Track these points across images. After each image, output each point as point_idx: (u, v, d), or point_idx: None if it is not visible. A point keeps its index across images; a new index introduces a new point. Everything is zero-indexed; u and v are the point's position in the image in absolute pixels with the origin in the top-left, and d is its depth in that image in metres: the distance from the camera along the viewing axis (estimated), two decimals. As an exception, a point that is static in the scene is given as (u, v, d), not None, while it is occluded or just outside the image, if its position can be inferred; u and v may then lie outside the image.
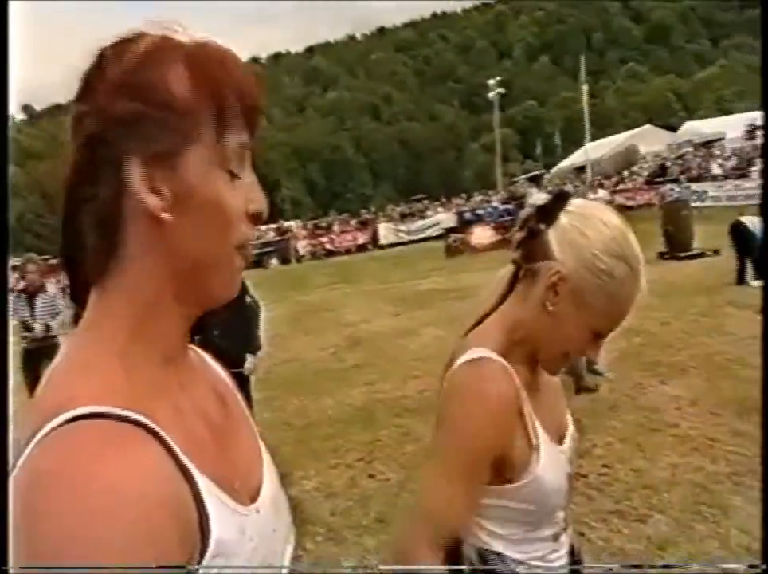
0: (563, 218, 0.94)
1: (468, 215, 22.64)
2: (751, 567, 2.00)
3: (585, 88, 29.00)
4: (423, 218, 26.16)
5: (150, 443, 0.50)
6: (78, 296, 0.59)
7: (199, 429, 0.59)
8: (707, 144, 27.91)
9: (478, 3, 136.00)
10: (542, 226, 0.95)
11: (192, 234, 0.55)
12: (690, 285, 8.16)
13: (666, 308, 6.93)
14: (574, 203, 0.96)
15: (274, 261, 22.42)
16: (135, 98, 0.53)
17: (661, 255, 10.50)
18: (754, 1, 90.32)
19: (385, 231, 24.44)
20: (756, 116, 27.77)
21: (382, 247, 23.27)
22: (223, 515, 0.54)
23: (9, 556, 0.46)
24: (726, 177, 21.58)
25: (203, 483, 0.53)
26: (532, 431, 0.95)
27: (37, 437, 0.48)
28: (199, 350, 0.71)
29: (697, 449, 3.56)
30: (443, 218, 24.19)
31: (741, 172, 21.20)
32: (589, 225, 0.92)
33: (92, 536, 0.45)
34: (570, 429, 1.07)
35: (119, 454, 0.47)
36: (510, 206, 23.31)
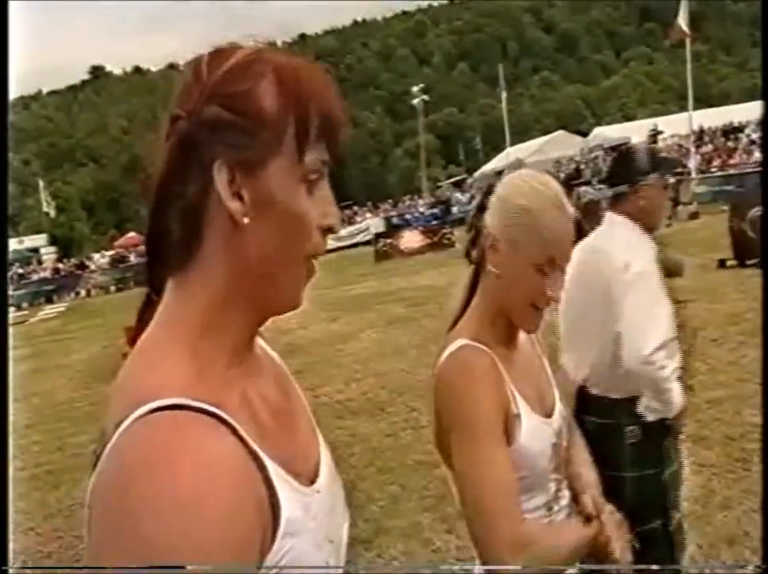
0: (492, 199, 1.08)
1: (395, 220, 22.95)
2: (742, 566, 2.18)
3: (504, 95, 30.12)
4: (352, 223, 26.26)
5: (224, 433, 0.54)
6: (155, 283, 0.62)
7: (264, 416, 0.62)
8: (615, 148, 29.66)
9: (398, 11, 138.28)
10: (480, 219, 1.09)
11: (267, 240, 0.58)
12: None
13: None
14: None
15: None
16: (226, 106, 0.57)
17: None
18: (651, 16, 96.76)
19: (314, 238, 24.30)
20: (657, 122, 29.84)
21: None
22: (290, 496, 0.58)
23: (9, 556, 0.48)
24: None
25: (272, 467, 0.57)
26: (513, 401, 1.04)
27: (123, 426, 0.52)
28: (261, 341, 0.74)
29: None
30: (372, 223, 24.36)
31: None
32: (505, 184, 1.07)
33: (177, 522, 0.47)
34: (559, 407, 1.15)
35: (197, 443, 0.51)
36: (436, 211, 23.86)
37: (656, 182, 1.89)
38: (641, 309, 1.73)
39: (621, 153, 2.23)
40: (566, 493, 1.14)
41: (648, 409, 1.77)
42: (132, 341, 0.62)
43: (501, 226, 1.04)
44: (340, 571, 0.66)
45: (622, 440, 1.79)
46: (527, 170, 1.10)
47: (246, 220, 0.57)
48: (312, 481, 0.64)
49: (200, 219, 0.58)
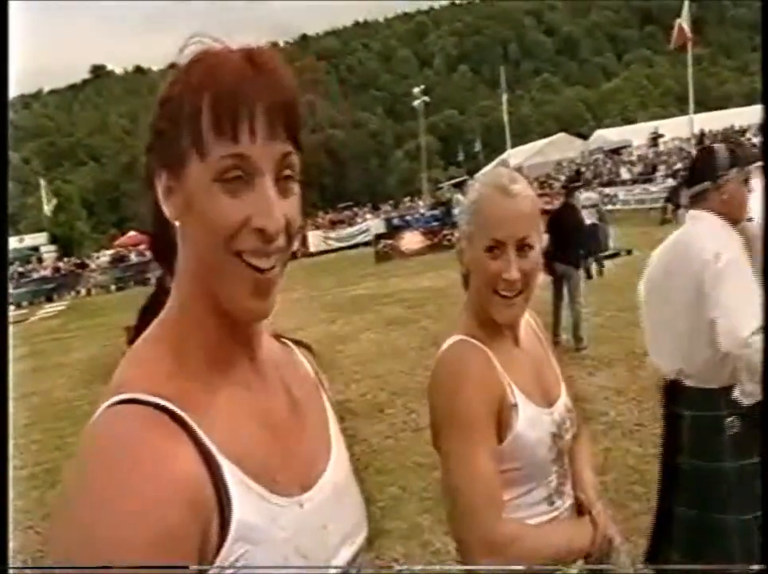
0: None
1: (396, 221, 22.97)
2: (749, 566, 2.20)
3: (505, 97, 30.13)
4: (352, 224, 26.28)
5: (171, 429, 0.55)
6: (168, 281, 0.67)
7: (252, 425, 0.62)
8: (616, 151, 29.70)
9: (399, 13, 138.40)
10: None
11: (194, 240, 0.60)
12: (608, 283, 8.70)
13: (588, 305, 7.36)
14: None
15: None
16: (160, 115, 0.60)
17: (581, 256, 11.11)
18: (652, 19, 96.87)
19: (314, 239, 24.32)
20: (658, 125, 29.91)
21: (311, 255, 23.15)
22: (249, 500, 0.57)
23: (9, 556, 0.49)
24: (634, 182, 23.02)
25: (228, 468, 0.56)
26: (509, 392, 1.05)
27: (95, 415, 0.56)
28: (294, 347, 0.76)
29: (626, 434, 3.83)
30: (372, 224, 24.38)
31: (647, 177, 22.71)
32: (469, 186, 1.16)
33: (95, 514, 0.50)
34: (563, 399, 1.16)
35: (135, 437, 0.54)
36: (436, 212, 23.88)
37: (736, 177, 1.95)
38: (736, 295, 1.76)
39: (701, 153, 2.33)
40: (569, 491, 1.13)
41: (743, 393, 1.78)
42: (132, 340, 0.64)
43: (461, 225, 1.11)
44: (333, 571, 0.65)
45: (720, 431, 1.81)
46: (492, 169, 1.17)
47: (177, 223, 0.60)
48: (300, 494, 0.63)
49: (168, 228, 0.61)
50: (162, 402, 0.55)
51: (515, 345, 1.12)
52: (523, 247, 1.04)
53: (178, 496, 0.52)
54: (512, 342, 1.12)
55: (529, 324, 1.20)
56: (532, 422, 1.05)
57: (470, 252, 1.09)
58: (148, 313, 0.65)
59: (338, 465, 0.70)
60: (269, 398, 0.66)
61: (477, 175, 1.17)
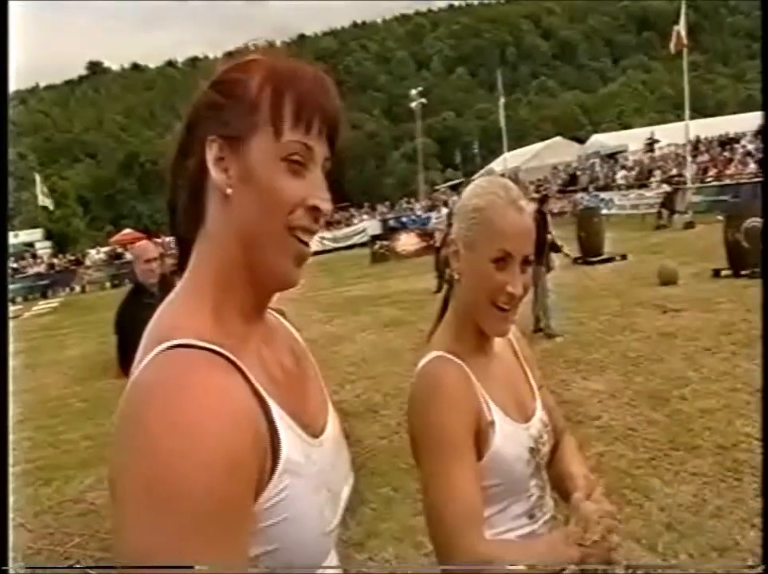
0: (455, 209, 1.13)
1: (392, 223, 22.99)
2: (750, 567, 2.21)
3: (502, 100, 30.18)
4: (348, 225, 26.27)
5: (229, 370, 0.60)
6: (182, 255, 0.71)
7: (276, 371, 0.69)
8: (612, 156, 29.78)
9: (397, 14, 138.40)
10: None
11: (249, 210, 0.65)
12: (602, 288, 8.72)
13: (582, 309, 7.39)
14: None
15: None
16: (220, 91, 0.67)
17: (575, 260, 11.13)
18: (649, 25, 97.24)
19: (311, 239, 24.25)
20: (654, 130, 30.01)
21: (307, 254, 23.05)
22: (291, 439, 0.64)
23: (9, 556, 0.50)
24: (629, 187, 23.10)
25: (275, 409, 0.63)
26: (486, 409, 1.04)
27: (146, 359, 0.60)
28: (278, 315, 0.82)
29: (618, 438, 3.85)
30: (369, 225, 24.39)
31: (642, 182, 22.79)
32: (465, 191, 1.12)
33: (175, 441, 0.54)
34: (539, 413, 1.15)
35: (204, 376, 0.58)
36: (433, 214, 23.94)
37: None
38: None
39: None
40: (549, 503, 1.13)
41: None
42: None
43: (459, 230, 1.09)
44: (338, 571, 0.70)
45: None
46: (489, 176, 1.15)
47: (229, 191, 0.64)
48: (317, 437, 0.71)
49: (201, 191, 0.66)
50: (215, 348, 0.60)
51: (491, 358, 1.12)
52: (525, 262, 1.06)
53: (244, 427, 0.57)
54: (489, 355, 1.11)
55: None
56: (510, 439, 1.05)
57: (470, 259, 1.07)
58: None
59: (334, 419, 0.77)
60: (280, 352, 0.74)
61: (476, 182, 1.13)
